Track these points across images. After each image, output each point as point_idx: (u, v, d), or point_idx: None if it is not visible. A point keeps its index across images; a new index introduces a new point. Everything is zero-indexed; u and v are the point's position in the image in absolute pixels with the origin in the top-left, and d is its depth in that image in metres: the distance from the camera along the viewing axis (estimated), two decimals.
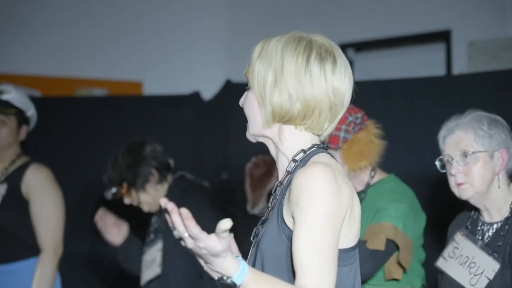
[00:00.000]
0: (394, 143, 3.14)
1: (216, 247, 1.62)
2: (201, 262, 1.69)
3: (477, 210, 2.70)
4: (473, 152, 2.60)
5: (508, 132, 2.64)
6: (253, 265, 1.84)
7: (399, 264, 2.89)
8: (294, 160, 1.86)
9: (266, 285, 1.67)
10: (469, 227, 2.70)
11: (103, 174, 3.52)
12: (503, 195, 2.62)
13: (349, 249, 1.80)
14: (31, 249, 3.61)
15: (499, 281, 2.52)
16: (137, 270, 3.56)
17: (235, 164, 4.31)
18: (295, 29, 1.92)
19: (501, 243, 2.57)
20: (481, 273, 2.57)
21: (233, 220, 3.22)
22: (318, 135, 1.89)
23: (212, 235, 1.62)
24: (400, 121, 3.74)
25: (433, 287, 3.10)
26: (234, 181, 4.27)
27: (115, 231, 3.50)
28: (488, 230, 2.65)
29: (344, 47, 5.83)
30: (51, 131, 4.55)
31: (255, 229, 1.90)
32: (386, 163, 3.05)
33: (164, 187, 3.49)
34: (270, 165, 3.17)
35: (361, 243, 2.80)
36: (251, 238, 1.90)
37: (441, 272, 2.74)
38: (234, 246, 1.90)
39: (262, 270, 1.80)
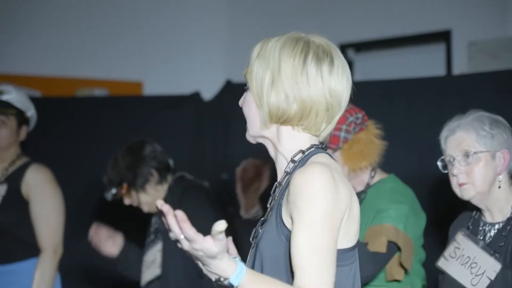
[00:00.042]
0: (394, 143, 3.14)
1: (212, 249, 1.62)
2: (199, 264, 1.69)
3: (478, 210, 2.70)
4: (475, 152, 2.60)
5: (510, 133, 2.63)
6: (253, 266, 1.84)
7: (401, 265, 2.88)
8: (292, 161, 1.86)
9: (263, 286, 1.66)
10: (471, 227, 2.70)
11: (103, 174, 3.52)
12: (504, 196, 2.62)
13: (348, 249, 1.79)
14: (31, 249, 3.61)
15: (500, 281, 2.52)
16: (138, 276, 3.55)
17: (235, 164, 4.29)
18: (295, 29, 1.92)
19: (502, 244, 2.56)
20: (483, 273, 2.56)
21: (234, 220, 3.22)
22: (317, 136, 1.89)
23: (208, 237, 1.62)
24: (400, 121, 3.74)
25: (434, 287, 3.10)
26: (234, 182, 4.27)
27: (110, 243, 3.50)
28: (489, 231, 2.65)
29: (344, 47, 5.83)
30: (51, 132, 4.55)
31: (254, 230, 1.90)
32: (386, 163, 3.05)
33: (164, 188, 3.49)
34: (260, 168, 3.17)
35: (362, 246, 2.80)
36: (251, 239, 1.90)
37: (442, 272, 2.74)
38: (232, 248, 1.90)
39: (262, 271, 1.80)
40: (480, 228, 2.68)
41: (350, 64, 5.90)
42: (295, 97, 1.82)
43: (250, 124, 1.91)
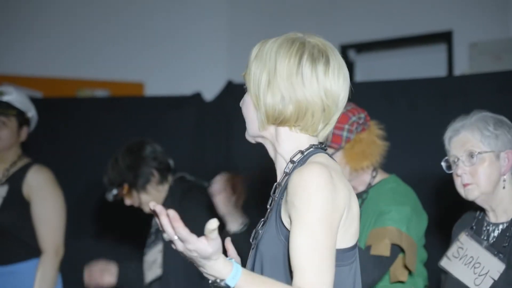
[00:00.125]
0: (396, 144, 3.14)
1: (206, 250, 1.61)
2: (196, 265, 1.69)
3: (482, 210, 2.70)
4: (479, 153, 2.59)
5: None
6: (253, 266, 1.84)
7: (405, 266, 2.88)
8: (291, 161, 1.86)
9: (261, 286, 1.66)
10: (474, 227, 2.70)
11: (103, 175, 3.52)
12: (509, 196, 2.62)
13: (348, 249, 1.79)
14: (32, 250, 3.61)
15: (504, 281, 2.52)
16: (144, 285, 3.56)
17: (237, 165, 4.30)
18: (296, 30, 1.92)
19: (506, 244, 2.56)
20: (486, 273, 2.56)
21: (243, 212, 3.20)
22: (315, 136, 1.89)
23: (202, 238, 1.61)
24: (401, 122, 3.73)
25: (436, 287, 3.10)
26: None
27: (106, 276, 3.52)
28: (493, 231, 2.64)
29: (345, 48, 5.83)
30: (52, 132, 4.55)
31: (254, 231, 1.90)
32: (388, 164, 3.05)
33: (165, 188, 3.49)
34: (232, 181, 3.14)
35: (365, 251, 2.80)
36: (250, 240, 1.90)
37: (444, 272, 2.74)
38: (232, 249, 1.90)
39: (262, 271, 1.80)
40: (484, 228, 2.67)
41: (351, 65, 5.90)
42: (291, 98, 1.82)
43: (248, 125, 1.91)
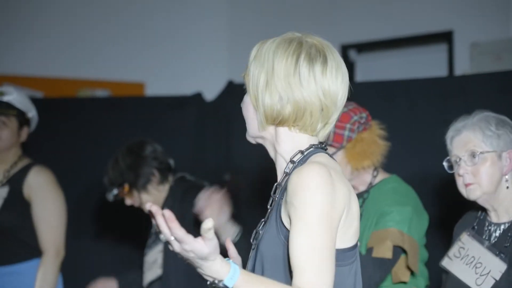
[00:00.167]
0: (396, 144, 3.14)
1: (203, 250, 1.61)
2: (194, 266, 1.68)
3: (484, 210, 2.70)
4: (481, 152, 2.59)
5: None
6: (253, 267, 1.84)
7: (407, 267, 2.88)
8: (292, 161, 1.86)
9: (259, 286, 1.65)
10: (476, 227, 2.70)
11: (104, 175, 3.52)
12: (511, 196, 2.62)
13: (348, 249, 1.79)
14: (33, 250, 3.61)
15: (505, 281, 2.52)
16: None
17: (237, 165, 4.31)
18: (296, 30, 1.92)
19: (508, 244, 2.56)
20: (487, 273, 2.56)
21: (234, 221, 3.20)
22: (315, 136, 1.88)
23: (199, 238, 1.61)
24: (401, 122, 3.73)
25: (437, 287, 3.10)
26: (234, 184, 4.27)
27: None
28: (495, 231, 2.64)
29: (346, 48, 5.83)
30: (53, 132, 4.55)
31: (254, 231, 1.89)
32: (389, 164, 3.05)
33: (165, 187, 3.49)
34: (213, 197, 3.10)
35: (368, 254, 2.80)
36: (251, 241, 1.89)
37: (446, 272, 2.73)
38: (232, 249, 1.89)
39: (262, 272, 1.79)
40: (486, 228, 2.67)
41: (352, 65, 5.90)
42: (289, 98, 1.82)
43: (248, 125, 1.91)
